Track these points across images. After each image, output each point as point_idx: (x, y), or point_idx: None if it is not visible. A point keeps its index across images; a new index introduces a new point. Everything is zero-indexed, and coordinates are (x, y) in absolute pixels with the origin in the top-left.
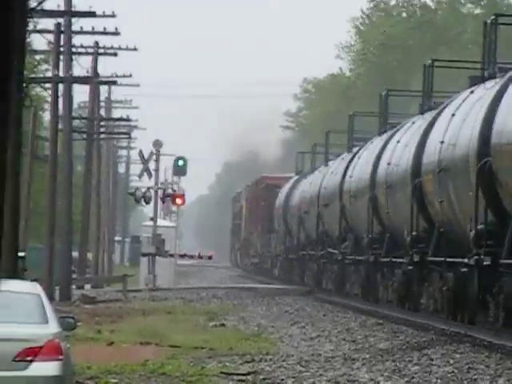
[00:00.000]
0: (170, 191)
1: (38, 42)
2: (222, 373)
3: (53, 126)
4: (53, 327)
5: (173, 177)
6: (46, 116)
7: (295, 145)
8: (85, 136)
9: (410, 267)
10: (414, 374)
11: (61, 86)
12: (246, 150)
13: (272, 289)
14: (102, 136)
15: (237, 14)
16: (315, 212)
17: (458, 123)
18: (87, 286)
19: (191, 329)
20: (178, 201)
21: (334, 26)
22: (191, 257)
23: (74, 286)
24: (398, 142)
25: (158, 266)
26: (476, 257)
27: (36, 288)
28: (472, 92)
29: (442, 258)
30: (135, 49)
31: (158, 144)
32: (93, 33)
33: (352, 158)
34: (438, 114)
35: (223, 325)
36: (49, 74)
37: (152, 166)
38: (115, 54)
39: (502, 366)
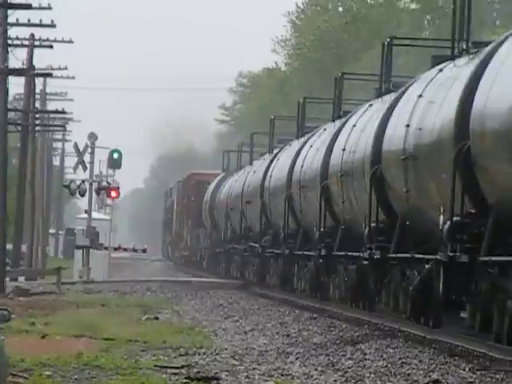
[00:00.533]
0: (104, 184)
1: None
2: (155, 366)
3: None
4: None
5: (108, 170)
6: None
7: (230, 138)
8: (20, 128)
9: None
10: (347, 368)
11: None
12: (181, 144)
13: (206, 282)
14: (37, 128)
15: (173, 7)
16: (239, 208)
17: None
18: (21, 279)
19: (125, 322)
20: (113, 194)
21: (269, 21)
22: (125, 250)
23: (7, 279)
24: (311, 146)
25: (92, 258)
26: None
27: None
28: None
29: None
30: (71, 41)
31: (93, 137)
32: (29, 25)
33: (272, 159)
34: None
35: (157, 318)
36: None
37: (87, 158)
38: (51, 47)
39: (436, 361)
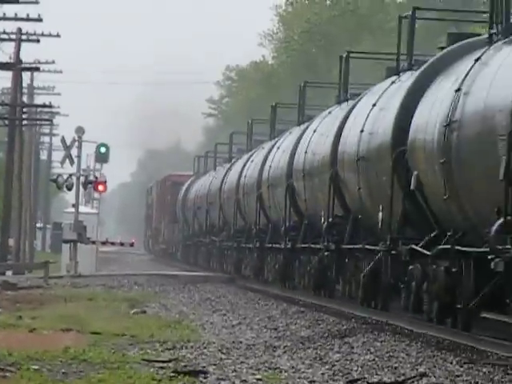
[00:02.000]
0: (91, 178)
1: None
2: (143, 360)
3: None
4: None
5: (95, 164)
6: None
7: (217, 132)
8: (7, 122)
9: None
10: (335, 361)
11: None
12: (168, 138)
13: (193, 276)
14: (24, 122)
15: (160, 2)
16: (204, 207)
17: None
18: (8, 273)
19: (112, 316)
20: (100, 188)
21: (256, 14)
22: (113, 244)
23: None
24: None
25: (79, 252)
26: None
27: None
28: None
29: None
30: (58, 35)
31: (80, 131)
32: (16, 19)
33: (230, 167)
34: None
35: (144, 312)
36: None
37: (74, 152)
38: (38, 41)
39: (423, 355)
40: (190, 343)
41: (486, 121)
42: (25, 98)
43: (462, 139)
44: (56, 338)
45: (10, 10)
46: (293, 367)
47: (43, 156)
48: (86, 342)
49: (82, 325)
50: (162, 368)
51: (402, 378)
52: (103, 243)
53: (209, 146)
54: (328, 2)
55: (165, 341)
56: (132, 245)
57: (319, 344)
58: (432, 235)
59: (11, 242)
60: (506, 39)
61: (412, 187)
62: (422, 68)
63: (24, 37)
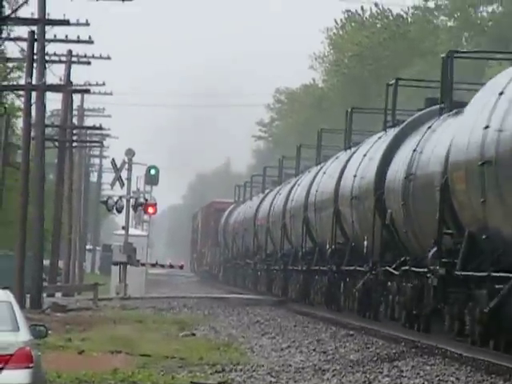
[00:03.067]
0: (141, 200)
1: (12, 49)
2: (192, 382)
3: (25, 134)
4: (24, 335)
5: (145, 186)
6: (19, 124)
7: (267, 155)
8: (57, 144)
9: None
10: None
11: (34, 94)
12: (218, 160)
13: (243, 298)
14: (75, 144)
15: (209, 23)
16: (241, 233)
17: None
18: (58, 295)
19: (162, 338)
20: (150, 210)
21: (307, 36)
22: (162, 266)
23: (44, 295)
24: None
25: (129, 274)
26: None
27: (7, 296)
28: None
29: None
30: (108, 57)
31: (130, 153)
32: (66, 41)
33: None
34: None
35: (194, 334)
36: (22, 82)
37: (124, 174)
38: (88, 63)
39: (473, 379)
40: (239, 366)
41: (429, 175)
42: (75, 120)
43: (415, 188)
44: (105, 360)
45: (60, 31)
46: None
47: (93, 178)
48: (136, 364)
49: (132, 347)
50: None
51: None
52: (153, 265)
53: (258, 169)
54: (378, 26)
55: (214, 363)
56: (182, 267)
57: (368, 368)
58: (401, 259)
59: (61, 263)
60: (450, 112)
61: (387, 222)
62: (399, 128)
63: (74, 59)
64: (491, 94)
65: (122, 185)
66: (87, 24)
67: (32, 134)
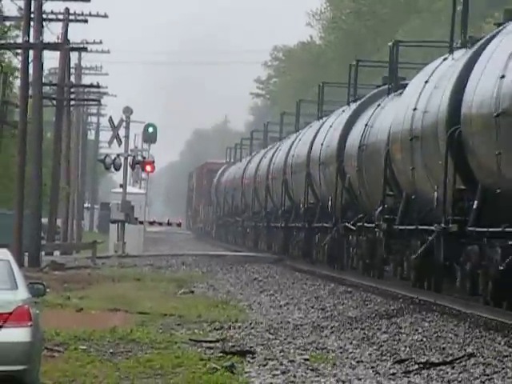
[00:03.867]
0: (139, 158)
1: (9, 8)
2: (190, 340)
3: (23, 92)
4: (22, 293)
5: (143, 144)
6: (17, 82)
7: (265, 112)
8: (55, 102)
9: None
10: (382, 342)
11: (31, 52)
12: (216, 117)
13: (241, 256)
14: (72, 102)
15: None
16: (231, 192)
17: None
18: (56, 253)
19: (160, 296)
20: (148, 168)
21: None
22: (160, 224)
23: (43, 253)
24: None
25: (127, 232)
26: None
27: (6, 254)
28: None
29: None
30: (106, 15)
31: (127, 111)
32: None
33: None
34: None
35: (192, 292)
36: (19, 41)
37: (122, 132)
38: (86, 21)
39: (471, 335)
40: (237, 323)
41: (376, 146)
42: (72, 79)
43: (366, 157)
44: (103, 318)
45: None
46: (340, 347)
47: (91, 136)
48: (134, 322)
49: (130, 305)
50: (209, 348)
51: (450, 358)
52: (151, 223)
53: (256, 126)
54: None
55: (212, 321)
56: (179, 225)
57: (367, 324)
58: (359, 216)
59: (59, 222)
60: (395, 92)
61: (346, 185)
62: (358, 103)
63: (72, 17)
64: (420, 82)
65: (120, 143)
66: None
67: (30, 92)
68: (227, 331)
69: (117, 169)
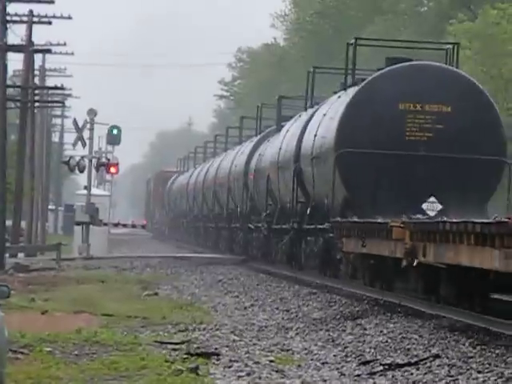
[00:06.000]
0: (103, 160)
1: None
2: (155, 342)
3: None
4: None
5: (107, 146)
6: None
7: (229, 114)
8: (19, 104)
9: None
10: (347, 343)
11: None
12: (179, 119)
13: (205, 258)
14: (36, 104)
15: None
16: (179, 199)
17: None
18: (21, 255)
19: (125, 298)
20: (112, 170)
21: None
22: (125, 225)
23: (7, 255)
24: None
25: (91, 234)
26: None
27: None
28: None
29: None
30: (70, 17)
31: (92, 113)
32: (27, 1)
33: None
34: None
35: (156, 294)
36: None
37: (86, 134)
38: (50, 23)
39: (436, 336)
40: (202, 325)
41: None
42: (37, 80)
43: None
44: (68, 320)
45: None
46: (305, 349)
47: (55, 138)
48: (99, 324)
49: (95, 307)
50: (174, 350)
51: (415, 359)
52: (115, 225)
53: (219, 128)
54: None
55: (177, 323)
56: (144, 226)
57: (331, 326)
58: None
59: (23, 224)
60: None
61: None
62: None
63: (36, 19)
64: (321, 112)
65: (84, 145)
66: None
67: None
68: (192, 333)
69: (81, 171)
